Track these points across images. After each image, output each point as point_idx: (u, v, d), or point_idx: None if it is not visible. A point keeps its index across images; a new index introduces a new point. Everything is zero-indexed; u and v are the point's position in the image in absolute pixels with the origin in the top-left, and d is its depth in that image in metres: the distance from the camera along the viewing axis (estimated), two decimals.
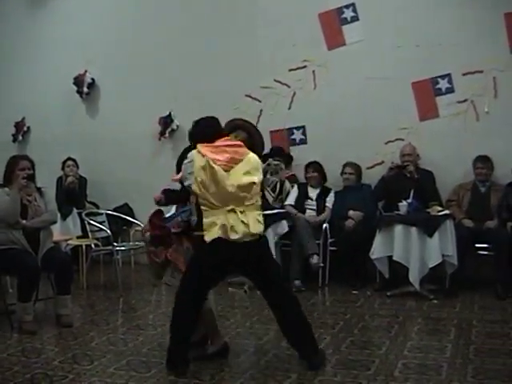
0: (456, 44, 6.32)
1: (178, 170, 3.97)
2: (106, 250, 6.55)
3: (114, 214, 7.00)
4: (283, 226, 6.30)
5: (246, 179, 3.69)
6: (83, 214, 6.57)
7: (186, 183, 3.77)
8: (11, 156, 5.16)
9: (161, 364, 3.88)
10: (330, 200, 6.56)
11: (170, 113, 7.45)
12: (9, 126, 8.25)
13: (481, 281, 5.93)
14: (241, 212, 3.66)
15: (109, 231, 6.32)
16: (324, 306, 5.82)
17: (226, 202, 3.65)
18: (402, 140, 6.54)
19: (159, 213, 4.15)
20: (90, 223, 6.40)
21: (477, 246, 5.87)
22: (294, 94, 6.97)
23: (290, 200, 6.56)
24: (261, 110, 7.05)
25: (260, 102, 7.08)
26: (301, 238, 6.20)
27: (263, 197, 4.27)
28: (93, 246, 6.40)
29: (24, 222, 4.87)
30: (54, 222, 5.22)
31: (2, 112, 8.27)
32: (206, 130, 3.85)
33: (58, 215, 5.67)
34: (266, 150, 5.79)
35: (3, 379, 3.72)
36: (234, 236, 3.62)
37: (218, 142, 3.76)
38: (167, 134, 7.50)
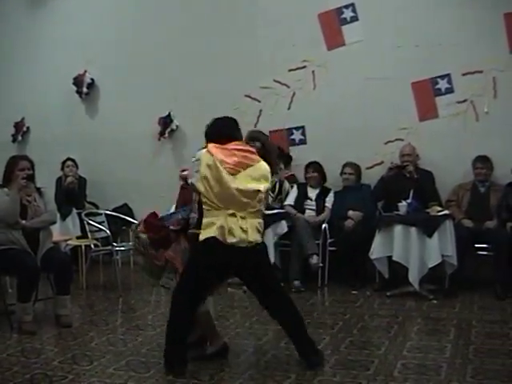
0: (456, 44, 6.32)
1: None
2: (105, 251, 6.56)
3: (114, 214, 6.99)
4: (282, 227, 6.29)
5: (252, 186, 3.67)
6: (83, 215, 6.57)
7: (190, 181, 3.76)
8: (11, 156, 5.16)
9: (160, 364, 3.88)
10: (329, 200, 6.56)
11: (169, 113, 7.45)
12: (8, 126, 8.25)
13: (480, 281, 5.93)
14: (241, 217, 3.64)
15: (108, 231, 6.33)
16: (323, 306, 5.83)
17: (228, 205, 3.64)
18: (402, 140, 6.55)
19: (155, 214, 4.13)
20: (89, 223, 6.40)
21: (476, 246, 5.88)
22: (294, 94, 6.97)
23: (290, 200, 6.56)
24: (260, 110, 7.05)
25: (259, 102, 7.08)
26: (300, 238, 6.20)
27: None
28: (92, 246, 6.40)
29: (23, 222, 4.86)
30: (54, 223, 5.22)
31: (1, 112, 8.27)
32: (222, 130, 3.83)
33: (58, 215, 5.66)
34: None
35: (3, 379, 3.72)
36: (230, 239, 3.61)
37: (229, 145, 3.74)
38: (167, 134, 7.50)
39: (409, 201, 5.92)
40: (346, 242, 6.17)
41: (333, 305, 5.76)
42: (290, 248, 6.33)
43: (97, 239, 6.49)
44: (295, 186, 6.68)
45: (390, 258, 5.78)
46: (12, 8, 8.25)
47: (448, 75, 6.44)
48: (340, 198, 6.54)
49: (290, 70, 6.95)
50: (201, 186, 3.66)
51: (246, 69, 7.05)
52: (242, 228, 3.62)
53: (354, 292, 5.98)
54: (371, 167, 6.70)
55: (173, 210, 6.84)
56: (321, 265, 6.19)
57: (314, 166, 6.65)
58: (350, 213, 6.33)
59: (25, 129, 8.24)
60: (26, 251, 4.82)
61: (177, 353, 3.79)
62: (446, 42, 6.37)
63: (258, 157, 3.79)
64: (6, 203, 4.79)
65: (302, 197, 6.58)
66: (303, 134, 6.99)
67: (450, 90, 6.46)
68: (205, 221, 3.68)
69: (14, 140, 8.28)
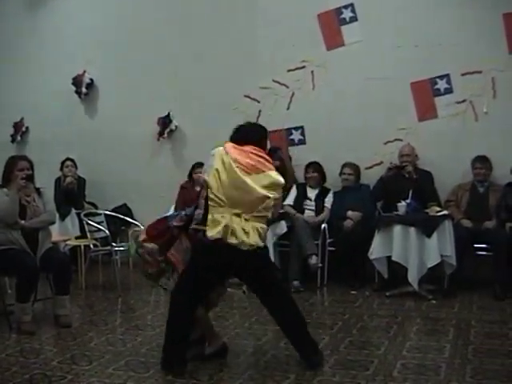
0: (455, 44, 6.32)
1: None
2: (104, 251, 6.55)
3: (113, 214, 6.99)
4: (282, 227, 6.29)
5: (261, 191, 3.65)
6: (82, 215, 6.57)
7: (204, 176, 3.75)
8: (10, 156, 5.15)
9: (159, 364, 3.87)
10: (328, 200, 6.56)
11: (168, 113, 7.44)
12: (7, 126, 8.24)
13: (479, 281, 5.94)
14: (245, 219, 3.63)
15: (107, 231, 6.33)
16: (323, 307, 5.83)
17: (235, 204, 3.62)
18: (401, 140, 6.54)
19: (157, 222, 4.11)
20: (88, 223, 6.39)
21: (475, 246, 5.88)
22: (293, 94, 6.97)
23: (289, 200, 6.56)
24: (259, 111, 7.04)
25: (259, 102, 7.07)
26: (299, 239, 6.20)
27: None
28: (91, 246, 6.40)
29: (23, 222, 4.86)
30: (53, 223, 5.22)
31: (0, 112, 8.25)
32: (248, 135, 3.82)
33: (57, 215, 5.67)
34: None
35: (2, 380, 3.72)
36: (231, 240, 3.60)
37: (247, 147, 3.75)
38: (166, 135, 7.49)
39: (408, 201, 5.93)
40: (345, 242, 6.17)
41: (332, 305, 5.76)
42: (290, 248, 6.33)
43: (96, 239, 6.48)
44: (294, 186, 6.68)
45: (389, 258, 5.78)
46: (12, 8, 8.24)
47: (447, 75, 6.44)
48: (339, 198, 6.54)
49: (289, 71, 6.94)
50: (212, 180, 3.65)
51: (245, 69, 7.05)
52: (244, 229, 3.61)
53: (353, 292, 5.98)
54: (370, 167, 6.70)
55: (172, 210, 6.86)
56: (320, 265, 6.19)
57: (314, 166, 6.65)
58: (350, 213, 6.33)
59: (24, 129, 8.23)
60: (25, 251, 4.81)
61: (176, 353, 3.78)
62: (445, 42, 6.37)
63: (271, 166, 3.77)
64: (5, 203, 4.79)
65: (302, 197, 6.59)
66: (302, 134, 6.98)
67: (449, 91, 6.46)
68: (210, 217, 3.66)
69: (13, 140, 8.27)
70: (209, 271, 3.71)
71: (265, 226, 3.74)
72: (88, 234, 6.42)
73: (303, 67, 6.91)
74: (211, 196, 3.67)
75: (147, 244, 3.98)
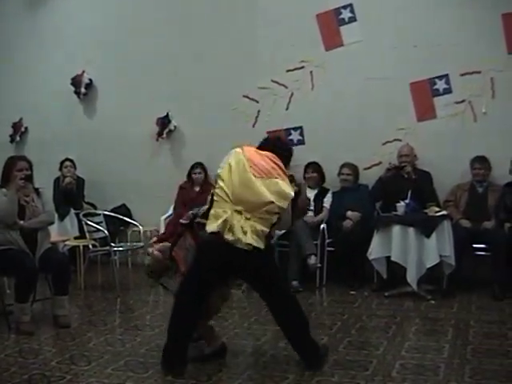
0: (455, 44, 6.31)
1: None
2: (103, 251, 6.56)
3: (112, 214, 6.99)
4: None
5: (269, 196, 3.62)
6: (81, 215, 6.57)
7: (218, 171, 3.76)
8: (9, 157, 5.14)
9: (158, 364, 3.87)
10: (327, 200, 6.56)
11: (167, 113, 7.44)
12: (6, 126, 8.23)
13: (478, 281, 5.93)
14: (246, 218, 3.61)
15: (106, 232, 6.33)
16: (322, 307, 5.83)
17: (239, 202, 3.62)
18: (400, 141, 6.54)
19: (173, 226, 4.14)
20: (87, 224, 6.39)
21: (474, 246, 5.89)
22: (292, 94, 6.97)
23: None
24: (258, 111, 7.05)
25: (258, 102, 7.07)
26: (298, 239, 6.20)
27: None
28: (90, 246, 6.40)
29: (21, 222, 4.85)
30: (52, 223, 5.22)
31: None
32: (276, 145, 3.90)
33: (56, 216, 5.66)
34: None
35: (1, 380, 3.72)
36: (227, 235, 3.59)
37: (264, 152, 3.77)
38: (165, 135, 7.49)
39: (407, 201, 5.93)
40: (344, 242, 6.17)
41: (331, 305, 5.75)
42: (289, 248, 6.32)
43: (95, 239, 6.48)
44: None
45: (388, 258, 5.78)
46: (11, 8, 8.24)
47: (446, 75, 6.44)
48: (338, 198, 6.54)
49: (288, 71, 6.93)
50: (224, 173, 3.67)
51: (244, 69, 7.05)
52: (242, 227, 3.59)
53: (352, 292, 5.98)
54: (369, 168, 6.70)
55: (171, 210, 6.85)
56: (319, 265, 6.19)
57: (314, 167, 6.66)
58: (349, 213, 6.33)
59: (23, 129, 8.22)
60: (24, 252, 4.81)
61: (178, 353, 3.78)
62: (444, 43, 6.36)
63: (284, 176, 3.75)
64: (4, 203, 4.78)
65: None
66: (301, 134, 6.98)
67: (448, 91, 6.46)
68: (212, 212, 3.66)
69: (12, 140, 8.26)
70: (210, 271, 3.71)
71: (266, 229, 3.67)
72: (87, 235, 6.42)
73: (302, 67, 6.91)
74: (217, 190, 3.68)
75: (157, 253, 4.00)
